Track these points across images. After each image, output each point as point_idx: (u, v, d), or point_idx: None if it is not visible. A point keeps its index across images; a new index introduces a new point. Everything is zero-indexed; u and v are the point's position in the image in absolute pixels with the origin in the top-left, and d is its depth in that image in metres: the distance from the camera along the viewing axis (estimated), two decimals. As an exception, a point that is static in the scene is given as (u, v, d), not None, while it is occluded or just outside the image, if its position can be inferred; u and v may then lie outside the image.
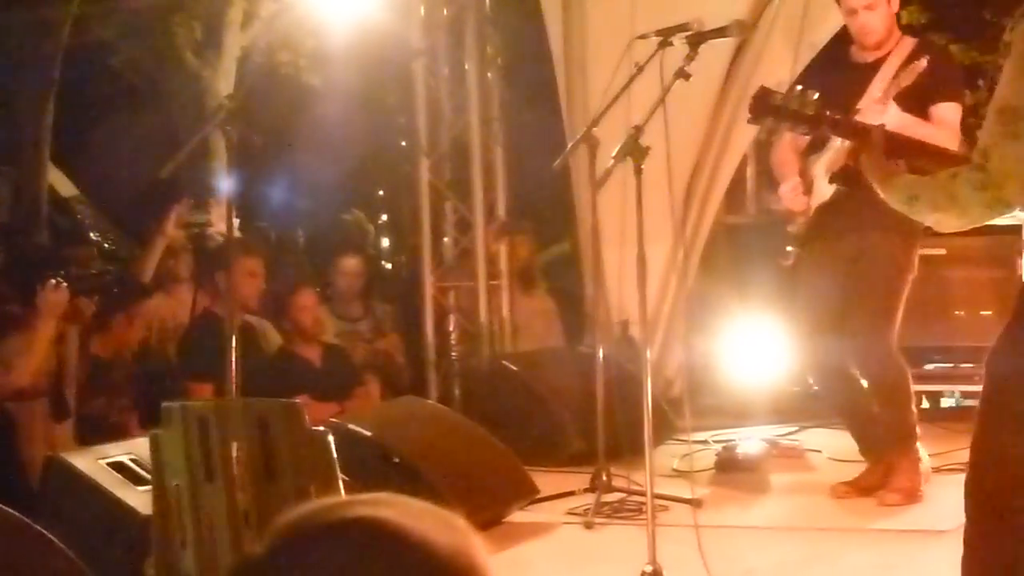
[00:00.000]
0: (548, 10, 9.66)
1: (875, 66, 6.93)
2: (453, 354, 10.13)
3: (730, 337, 9.30)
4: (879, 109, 6.54)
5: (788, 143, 7.19)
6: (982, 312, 8.95)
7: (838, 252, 7.04)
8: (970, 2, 13.85)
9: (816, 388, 7.58)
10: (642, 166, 5.96)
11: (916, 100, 6.69)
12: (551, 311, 10.72)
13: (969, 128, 7.01)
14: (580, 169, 9.00)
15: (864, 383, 7.13)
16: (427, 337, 10.08)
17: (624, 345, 9.32)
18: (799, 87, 4.70)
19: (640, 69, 6.50)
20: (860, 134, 4.57)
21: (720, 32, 6.51)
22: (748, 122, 4.89)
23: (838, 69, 7.12)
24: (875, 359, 7.07)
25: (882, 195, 4.28)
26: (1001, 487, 4.14)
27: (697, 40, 6.40)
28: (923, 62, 6.59)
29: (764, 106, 4.64)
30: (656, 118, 6.03)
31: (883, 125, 4.47)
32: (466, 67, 10.14)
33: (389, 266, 14.58)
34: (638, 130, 6.01)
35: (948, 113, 6.84)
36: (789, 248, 7.12)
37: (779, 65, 9.00)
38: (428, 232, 10.18)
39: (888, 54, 6.94)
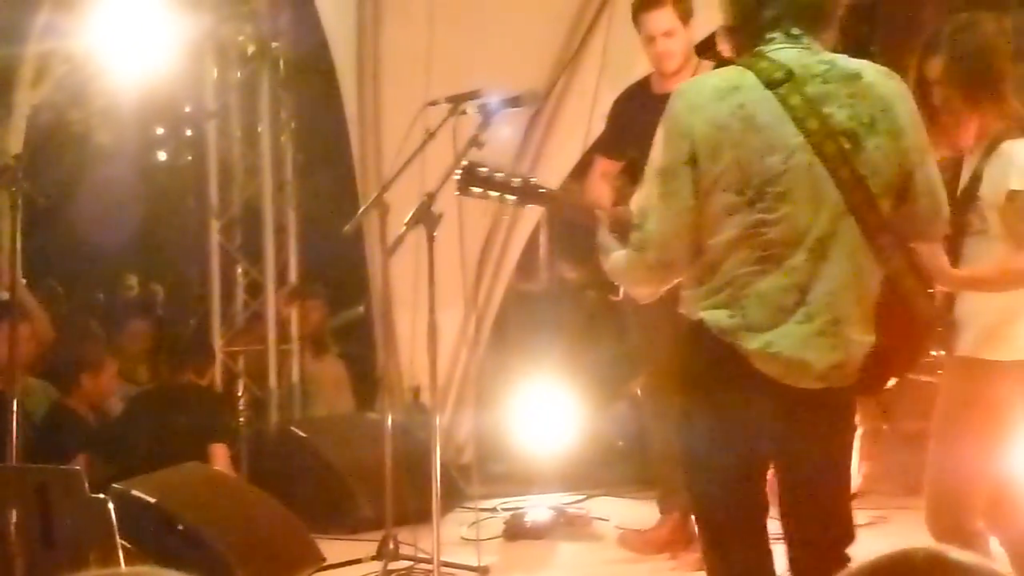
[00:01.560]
0: (343, 73, 9.63)
1: None
2: (241, 419, 9.99)
3: (521, 404, 9.30)
4: None
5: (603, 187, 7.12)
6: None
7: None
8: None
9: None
10: (435, 233, 5.97)
11: None
12: (342, 376, 10.65)
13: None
14: (373, 234, 8.96)
15: None
16: (215, 401, 9.93)
17: (415, 411, 9.28)
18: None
19: (431, 136, 6.51)
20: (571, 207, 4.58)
21: (512, 101, 6.54)
22: (456, 193, 4.90)
23: (639, 101, 6.98)
24: None
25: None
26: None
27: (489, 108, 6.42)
28: None
29: (472, 179, 4.66)
30: (450, 185, 6.05)
31: (619, 208, 4.48)
32: (259, 129, 10.07)
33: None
34: (431, 197, 6.02)
35: None
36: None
37: (573, 132, 9.06)
38: (218, 295, 10.06)
39: None
